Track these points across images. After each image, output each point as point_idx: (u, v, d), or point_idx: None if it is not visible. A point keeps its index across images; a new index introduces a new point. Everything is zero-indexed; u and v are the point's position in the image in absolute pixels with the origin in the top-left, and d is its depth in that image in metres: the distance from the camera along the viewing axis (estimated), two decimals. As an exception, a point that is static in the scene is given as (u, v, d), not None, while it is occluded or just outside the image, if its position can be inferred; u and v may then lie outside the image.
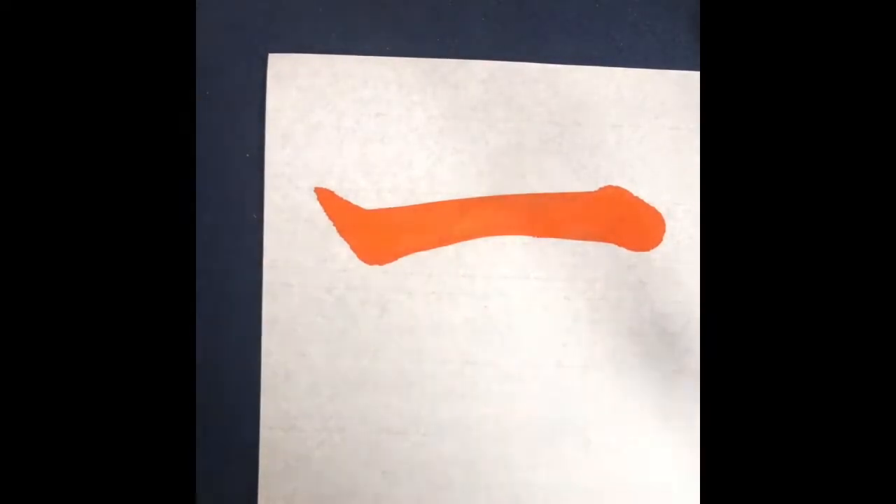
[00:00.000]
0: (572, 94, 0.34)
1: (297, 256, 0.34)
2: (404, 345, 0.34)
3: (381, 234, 0.34)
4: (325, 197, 0.34)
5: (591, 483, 0.34)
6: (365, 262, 0.34)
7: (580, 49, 0.34)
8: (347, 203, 0.34)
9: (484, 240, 0.34)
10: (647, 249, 0.34)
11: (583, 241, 0.34)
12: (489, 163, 0.34)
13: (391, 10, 0.34)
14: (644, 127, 0.34)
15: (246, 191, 0.34)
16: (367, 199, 0.34)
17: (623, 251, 0.34)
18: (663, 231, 0.34)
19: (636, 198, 0.34)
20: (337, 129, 0.34)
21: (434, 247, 0.34)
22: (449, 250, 0.34)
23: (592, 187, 0.34)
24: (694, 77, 0.34)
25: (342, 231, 0.34)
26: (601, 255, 0.34)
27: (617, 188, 0.34)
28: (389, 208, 0.34)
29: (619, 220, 0.34)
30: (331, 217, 0.34)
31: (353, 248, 0.34)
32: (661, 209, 0.34)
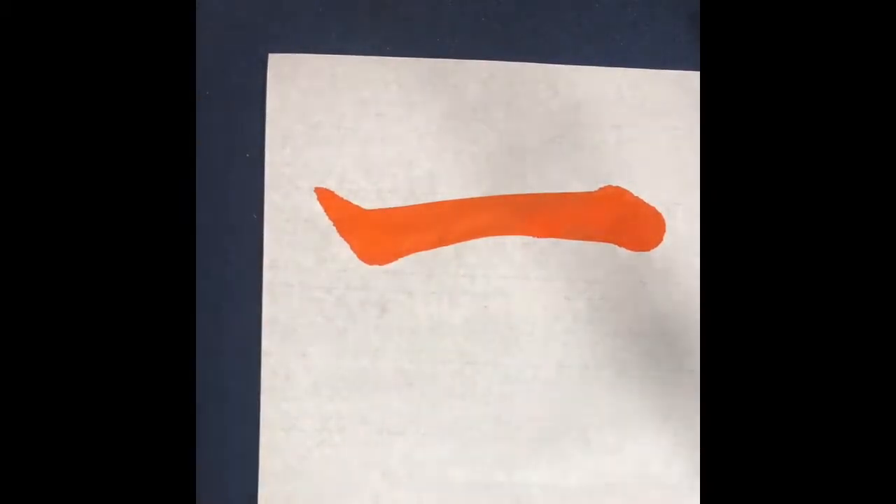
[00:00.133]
0: (572, 94, 0.34)
1: (297, 256, 0.34)
2: (404, 345, 0.34)
3: (381, 234, 0.34)
4: (325, 197, 0.34)
5: (591, 483, 0.34)
6: (365, 262, 0.34)
7: (580, 49, 0.34)
8: (347, 203, 0.34)
9: (484, 240, 0.34)
10: (647, 249, 0.34)
11: (583, 241, 0.34)
12: (489, 163, 0.34)
13: (391, 10, 0.34)
14: (644, 127, 0.34)
15: (246, 191, 0.34)
16: (367, 199, 0.34)
17: (623, 251, 0.34)
18: (663, 231, 0.34)
19: (636, 198, 0.34)
20: (337, 129, 0.34)
21: (434, 247, 0.34)
22: (449, 250, 0.34)
23: (592, 187, 0.34)
24: (694, 77, 0.34)
25: (342, 231, 0.34)
26: (601, 255, 0.34)
27: (617, 188, 0.34)
28: (389, 208, 0.34)
29: (619, 220, 0.34)
30: (331, 217, 0.34)
31: (354, 248, 0.34)
32: (661, 209, 0.34)
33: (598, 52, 0.34)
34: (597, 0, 0.35)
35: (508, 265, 0.34)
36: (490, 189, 0.34)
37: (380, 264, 0.34)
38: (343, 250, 0.34)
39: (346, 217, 0.34)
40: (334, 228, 0.34)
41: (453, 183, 0.34)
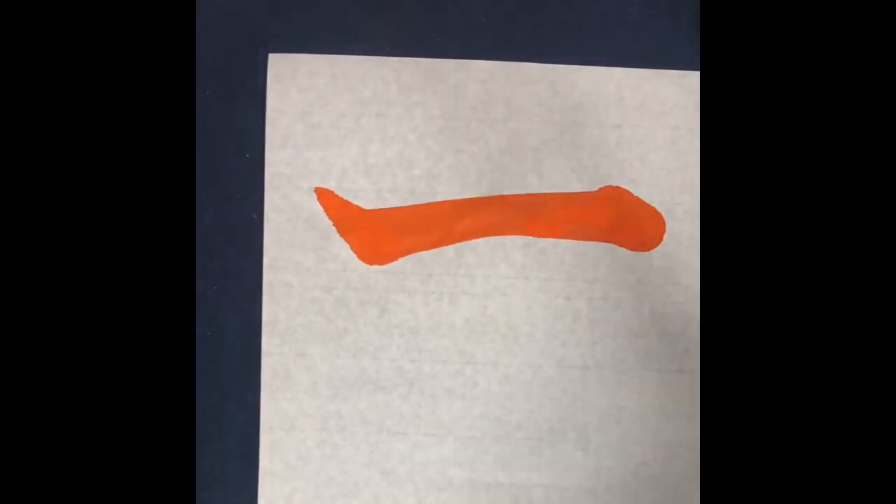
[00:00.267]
0: (572, 94, 0.34)
1: (297, 256, 0.34)
2: (404, 345, 0.34)
3: (381, 234, 0.34)
4: (325, 197, 0.34)
5: (591, 483, 0.34)
6: (365, 262, 0.34)
7: (580, 49, 0.34)
8: (347, 203, 0.34)
9: (484, 240, 0.34)
10: (647, 249, 0.34)
11: (583, 241, 0.34)
12: (489, 163, 0.34)
13: (391, 10, 0.34)
14: (644, 127, 0.34)
15: (246, 191, 0.34)
16: (367, 199, 0.34)
17: (623, 251, 0.34)
18: (663, 231, 0.34)
19: (636, 198, 0.34)
20: (337, 129, 0.34)
21: (434, 247, 0.34)
22: (449, 250, 0.34)
23: (592, 187, 0.34)
24: (694, 77, 0.34)
25: (342, 231, 0.34)
26: (601, 255, 0.34)
27: (617, 188, 0.34)
28: (389, 208, 0.34)
29: (619, 220, 0.34)
30: (331, 217, 0.34)
31: (353, 248, 0.34)
32: (661, 209, 0.34)
33: (598, 52, 0.34)
34: (597, 0, 0.35)
35: (508, 265, 0.34)
36: (490, 189, 0.34)
37: (380, 264, 0.34)
38: (343, 250, 0.34)
39: (345, 217, 0.34)
40: (334, 228, 0.34)
41: (453, 183, 0.34)
